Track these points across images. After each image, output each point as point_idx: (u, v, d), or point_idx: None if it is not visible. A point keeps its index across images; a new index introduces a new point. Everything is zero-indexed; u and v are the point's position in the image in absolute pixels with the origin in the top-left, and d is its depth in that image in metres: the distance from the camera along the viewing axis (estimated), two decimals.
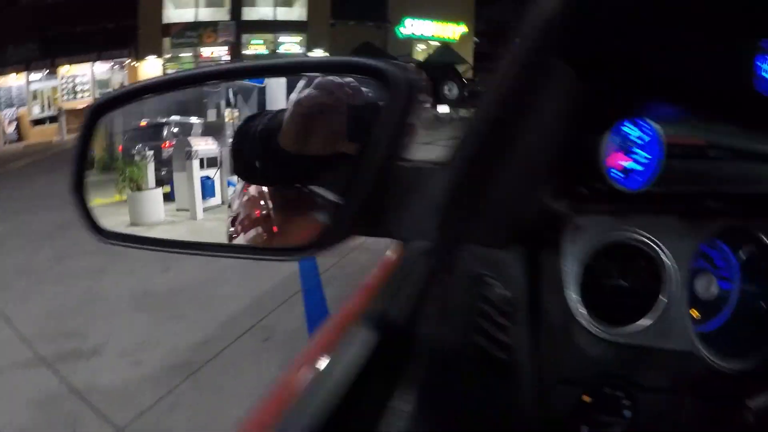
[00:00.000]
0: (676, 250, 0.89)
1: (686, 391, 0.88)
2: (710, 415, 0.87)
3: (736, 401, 0.85)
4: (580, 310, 0.86)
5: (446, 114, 12.54)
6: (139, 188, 0.93)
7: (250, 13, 19.68)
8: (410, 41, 20.17)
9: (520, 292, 0.76)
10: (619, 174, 0.77)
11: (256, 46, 20.01)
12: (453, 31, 20.74)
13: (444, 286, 0.66)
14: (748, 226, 0.92)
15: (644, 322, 0.87)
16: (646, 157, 0.77)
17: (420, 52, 19.95)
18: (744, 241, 0.91)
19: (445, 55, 17.80)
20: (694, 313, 0.89)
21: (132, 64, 18.93)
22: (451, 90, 14.24)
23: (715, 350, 0.87)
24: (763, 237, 0.92)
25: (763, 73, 0.67)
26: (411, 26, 20.36)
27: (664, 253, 0.89)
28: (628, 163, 0.77)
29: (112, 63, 18.90)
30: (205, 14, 19.75)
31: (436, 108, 12.76)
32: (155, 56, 18.85)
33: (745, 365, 0.87)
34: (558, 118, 0.63)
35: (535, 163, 0.65)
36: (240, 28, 19.54)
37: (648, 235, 0.88)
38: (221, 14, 19.64)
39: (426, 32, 20.25)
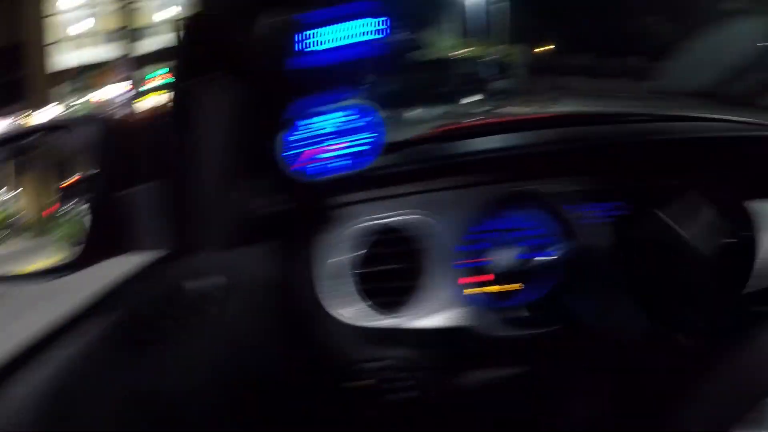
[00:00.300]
0: (449, 226, 0.85)
1: (461, 366, 0.84)
2: (485, 387, 0.83)
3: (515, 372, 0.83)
4: (334, 300, 0.83)
5: None
6: (77, 243, 0.86)
7: (150, 44, 19.05)
8: None
9: (231, 287, 0.75)
10: (342, 160, 0.81)
11: (157, 77, 19.42)
12: None
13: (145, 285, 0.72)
14: (542, 193, 0.86)
15: (412, 304, 0.84)
16: (368, 138, 0.81)
17: None
18: (558, 209, 0.86)
19: None
20: (511, 287, 0.85)
21: (31, 115, 17.97)
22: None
23: (514, 321, 0.83)
24: (564, 202, 0.85)
25: (310, 48, 0.72)
26: None
27: (433, 232, 0.85)
28: (345, 149, 0.81)
29: (12, 117, 17.82)
30: (102, 53, 19.00)
31: None
32: (55, 104, 18.06)
33: (548, 332, 0.82)
34: (228, 126, 0.67)
35: (222, 168, 0.69)
36: (139, 61, 18.92)
37: (416, 217, 0.85)
38: (118, 50, 18.94)
39: None
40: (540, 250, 0.86)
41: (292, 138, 0.84)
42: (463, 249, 0.85)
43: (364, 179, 0.87)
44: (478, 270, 0.86)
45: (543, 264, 0.86)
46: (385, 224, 0.86)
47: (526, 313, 0.85)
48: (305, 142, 0.84)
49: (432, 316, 0.83)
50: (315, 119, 0.83)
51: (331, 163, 0.84)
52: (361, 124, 0.83)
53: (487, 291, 0.85)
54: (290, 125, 0.84)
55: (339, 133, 0.83)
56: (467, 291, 0.84)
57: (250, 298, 0.78)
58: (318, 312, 0.84)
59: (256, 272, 0.79)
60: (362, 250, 0.86)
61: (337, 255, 0.85)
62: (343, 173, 0.84)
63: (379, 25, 0.78)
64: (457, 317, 0.83)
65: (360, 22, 0.77)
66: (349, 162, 0.84)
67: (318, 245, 0.85)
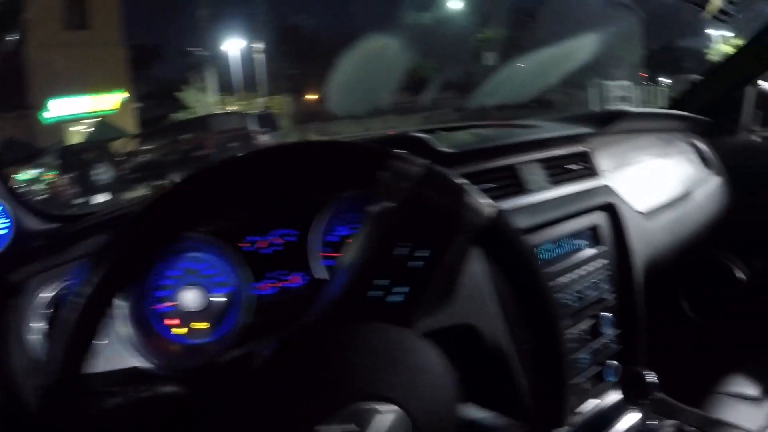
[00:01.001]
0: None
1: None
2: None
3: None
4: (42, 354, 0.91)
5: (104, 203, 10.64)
6: None
7: None
8: (61, 125, 17.65)
9: None
10: None
11: None
12: (110, 100, 18.70)
13: None
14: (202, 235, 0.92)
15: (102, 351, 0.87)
16: (4, 224, 0.99)
17: (77, 133, 17.57)
18: (223, 246, 0.94)
19: (102, 132, 15.79)
20: (203, 325, 0.93)
21: None
22: (101, 174, 11.55)
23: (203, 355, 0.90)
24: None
25: None
26: (58, 107, 17.73)
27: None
28: None
29: None
30: None
31: (88, 201, 10.36)
32: None
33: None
34: None
35: None
36: None
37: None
38: None
39: (79, 110, 17.78)
40: (217, 287, 0.94)
41: None
42: (152, 294, 0.91)
43: (42, 249, 0.98)
44: (171, 313, 0.92)
45: (223, 301, 0.94)
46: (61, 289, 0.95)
47: (215, 347, 0.90)
48: None
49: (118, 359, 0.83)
50: None
51: None
52: None
53: (182, 331, 0.92)
54: None
55: None
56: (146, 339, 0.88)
57: None
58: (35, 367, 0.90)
59: None
60: (47, 311, 0.93)
61: (31, 318, 0.92)
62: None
63: None
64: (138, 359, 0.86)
65: None
66: None
67: (17, 310, 0.93)
